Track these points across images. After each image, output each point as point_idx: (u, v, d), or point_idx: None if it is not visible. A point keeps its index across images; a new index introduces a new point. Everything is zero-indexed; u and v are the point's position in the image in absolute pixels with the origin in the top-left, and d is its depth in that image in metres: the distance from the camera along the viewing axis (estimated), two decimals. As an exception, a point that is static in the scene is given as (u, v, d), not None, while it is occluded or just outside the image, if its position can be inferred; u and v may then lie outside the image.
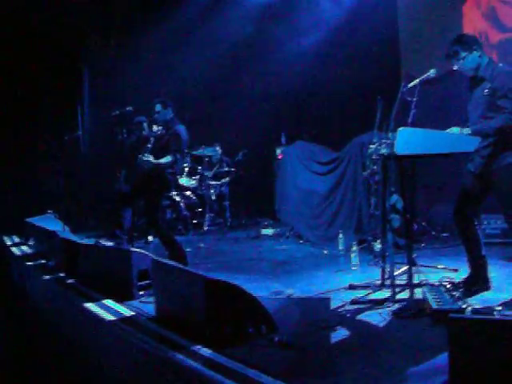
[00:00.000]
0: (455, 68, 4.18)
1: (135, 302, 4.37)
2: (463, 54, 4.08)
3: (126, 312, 3.99)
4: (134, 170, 6.71)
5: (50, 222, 7.46)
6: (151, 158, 5.91)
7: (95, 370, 3.96)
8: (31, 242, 7.43)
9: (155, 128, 6.25)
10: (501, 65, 4.15)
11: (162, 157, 5.91)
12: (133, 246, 5.50)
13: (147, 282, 4.53)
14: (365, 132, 6.58)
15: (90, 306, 4.20)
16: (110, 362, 3.75)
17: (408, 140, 3.86)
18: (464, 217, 4.20)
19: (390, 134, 4.17)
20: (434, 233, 6.83)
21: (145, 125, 7.52)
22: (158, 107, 6.10)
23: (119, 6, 10.19)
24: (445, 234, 6.75)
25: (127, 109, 7.33)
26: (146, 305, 4.23)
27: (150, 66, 9.83)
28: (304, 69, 9.39)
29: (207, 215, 9.11)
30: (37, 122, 9.70)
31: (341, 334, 3.48)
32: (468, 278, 4.26)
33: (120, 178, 8.17)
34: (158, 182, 5.96)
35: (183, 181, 8.96)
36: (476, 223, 4.22)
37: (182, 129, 6.07)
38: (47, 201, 8.78)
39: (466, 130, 3.97)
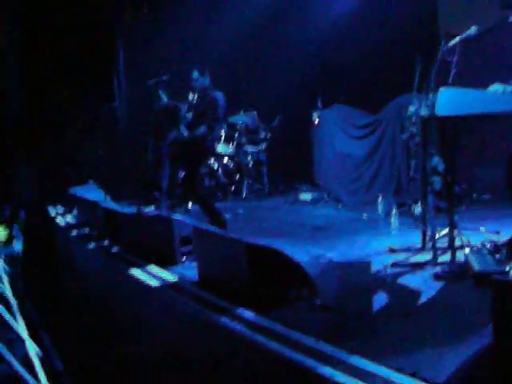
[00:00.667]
0: (510, 20, 4.03)
1: (178, 268, 4.47)
2: None
3: (170, 277, 4.09)
4: (163, 140, 6.71)
5: (92, 192, 7.63)
6: (185, 132, 5.93)
7: (141, 334, 4.09)
8: (75, 212, 7.63)
9: (191, 96, 6.23)
10: None
11: (199, 125, 5.92)
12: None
13: (189, 248, 4.63)
14: (403, 93, 6.45)
15: (134, 272, 4.33)
16: (156, 325, 3.87)
17: (449, 101, 3.77)
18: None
19: (430, 95, 4.08)
20: (475, 195, 6.71)
21: (162, 94, 7.46)
22: (196, 74, 6.05)
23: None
24: (486, 196, 6.62)
25: (163, 78, 7.33)
26: (189, 270, 4.32)
27: (185, 34, 9.77)
28: (340, 31, 9.21)
29: (245, 182, 9.16)
30: (75, 94, 9.83)
31: (382, 297, 3.49)
32: (511, 239, 4.19)
33: (148, 148, 8.18)
34: (196, 150, 6.00)
35: (220, 148, 9.00)
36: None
37: (219, 95, 6.04)
38: (88, 171, 8.96)
39: (510, 88, 3.85)
